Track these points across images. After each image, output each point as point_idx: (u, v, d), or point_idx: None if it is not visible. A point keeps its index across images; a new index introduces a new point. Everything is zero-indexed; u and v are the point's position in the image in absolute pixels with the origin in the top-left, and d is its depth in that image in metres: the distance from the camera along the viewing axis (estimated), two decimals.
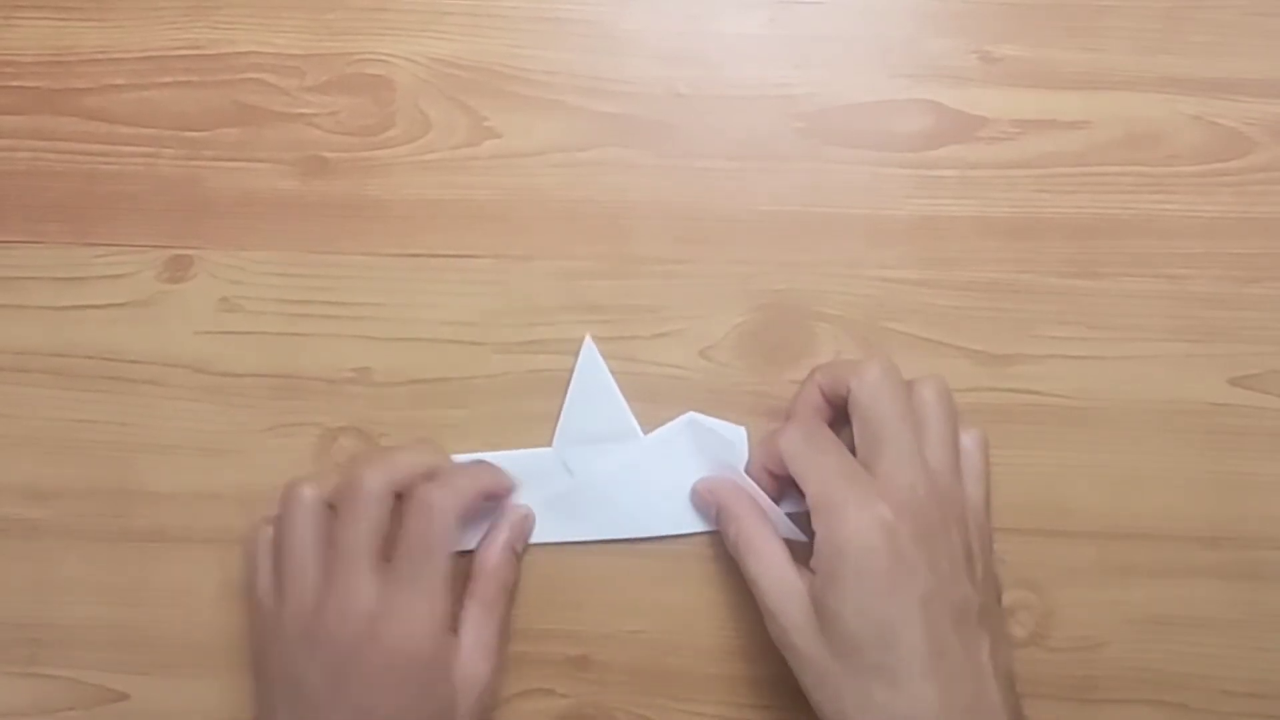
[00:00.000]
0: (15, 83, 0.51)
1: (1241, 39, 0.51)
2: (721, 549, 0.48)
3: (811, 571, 0.43)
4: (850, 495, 0.42)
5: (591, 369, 0.49)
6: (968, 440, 0.46)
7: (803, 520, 0.45)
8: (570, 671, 0.48)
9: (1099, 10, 0.51)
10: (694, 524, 0.49)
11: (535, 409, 0.49)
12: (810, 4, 0.52)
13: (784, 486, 0.47)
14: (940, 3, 0.51)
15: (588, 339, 0.49)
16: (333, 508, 0.45)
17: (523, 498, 0.48)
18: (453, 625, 0.44)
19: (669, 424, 0.49)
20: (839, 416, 0.46)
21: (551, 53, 0.51)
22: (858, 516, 0.42)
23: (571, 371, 0.49)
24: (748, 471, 0.48)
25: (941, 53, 0.51)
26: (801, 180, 0.51)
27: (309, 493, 0.44)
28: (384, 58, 0.51)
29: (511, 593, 0.47)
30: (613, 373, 0.49)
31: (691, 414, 0.49)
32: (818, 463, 0.44)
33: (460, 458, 0.49)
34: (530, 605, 0.48)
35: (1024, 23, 0.51)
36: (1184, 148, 0.50)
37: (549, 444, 0.49)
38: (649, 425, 0.49)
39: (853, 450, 0.44)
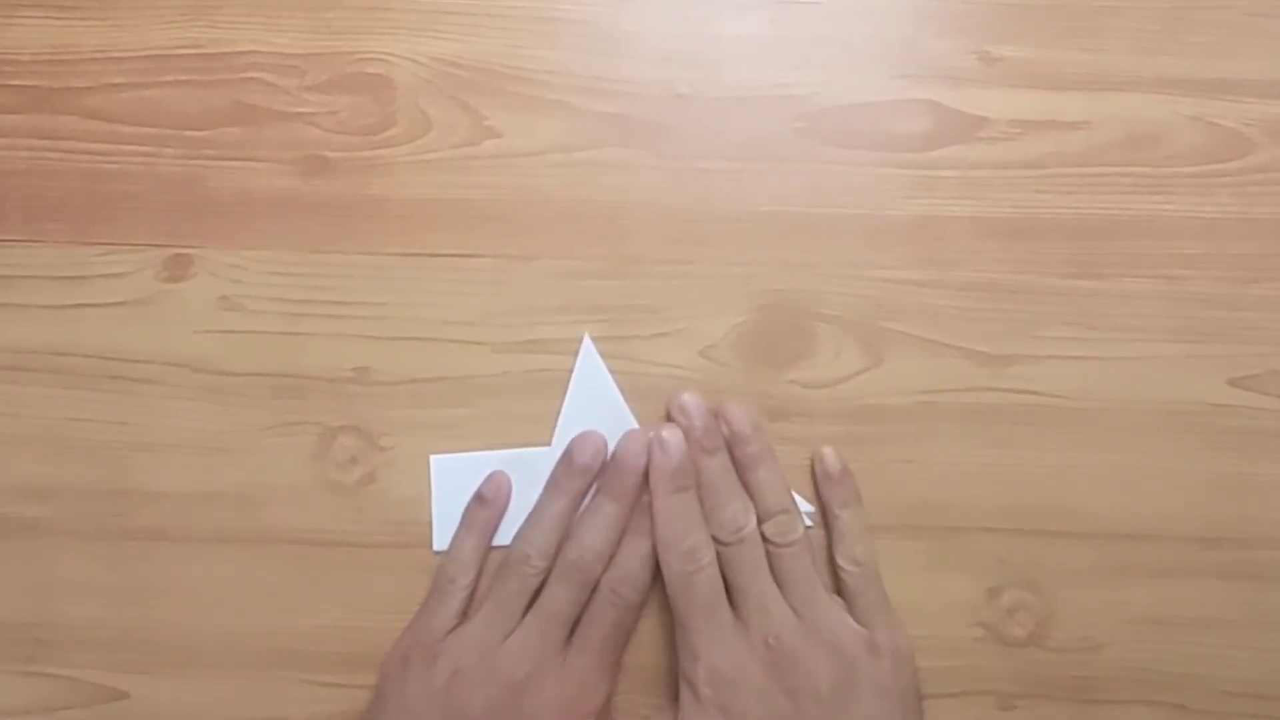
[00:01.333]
0: (15, 81, 0.51)
1: (1241, 40, 0.51)
2: None
3: None
4: None
5: (591, 368, 0.49)
6: None
7: None
8: None
9: (1099, 11, 0.51)
10: None
11: (535, 408, 0.49)
12: (810, 4, 0.52)
13: None
14: (940, 3, 0.51)
15: (586, 338, 0.49)
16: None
17: (522, 497, 0.48)
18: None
19: (669, 423, 0.49)
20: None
21: (552, 53, 0.51)
22: None
23: (571, 371, 0.49)
24: None
25: (941, 53, 0.51)
26: (801, 180, 0.51)
27: (537, 564, 0.47)
28: (384, 57, 0.51)
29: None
30: (612, 372, 0.49)
31: None
32: None
33: (460, 457, 0.49)
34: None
35: (1024, 23, 0.51)
36: (1183, 148, 0.50)
37: (548, 443, 0.49)
38: (648, 425, 0.49)
39: None
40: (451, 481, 0.49)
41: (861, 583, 0.47)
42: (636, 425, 0.49)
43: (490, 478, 0.49)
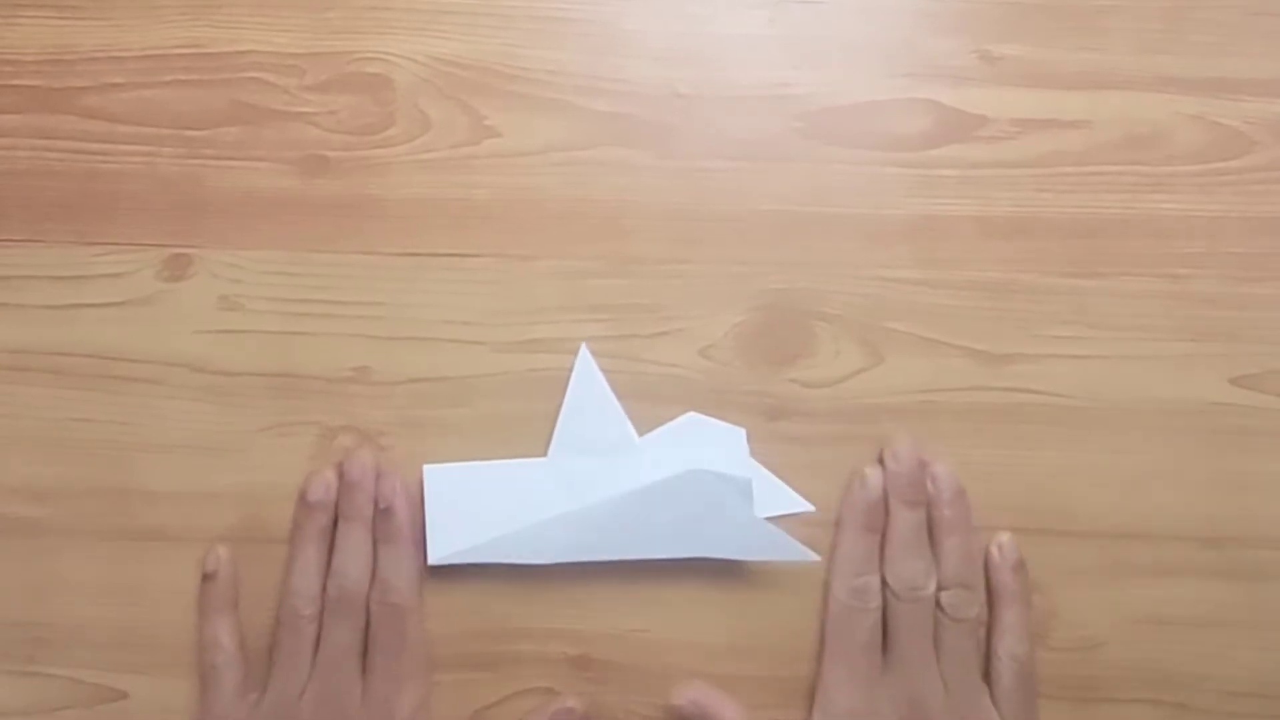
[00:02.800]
0: (15, 81, 0.51)
1: (1241, 39, 0.51)
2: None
3: None
4: None
5: (587, 376, 0.49)
6: None
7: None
8: (571, 671, 0.48)
9: (1099, 10, 0.51)
10: (687, 550, 0.48)
11: (534, 408, 0.49)
12: (810, 4, 0.52)
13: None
14: (940, 3, 0.51)
15: (584, 348, 0.49)
16: None
17: (518, 508, 0.48)
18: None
19: (669, 424, 0.49)
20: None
21: (552, 52, 0.51)
22: None
23: (570, 372, 0.49)
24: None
25: (941, 52, 0.51)
26: (801, 180, 0.51)
27: (306, 612, 0.47)
28: (384, 56, 0.51)
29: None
30: (613, 372, 0.49)
31: (692, 413, 0.49)
32: None
33: (454, 466, 0.48)
34: (531, 605, 0.48)
35: (1024, 22, 0.51)
36: (1184, 147, 0.50)
37: (547, 442, 0.49)
38: (648, 424, 0.49)
39: None
40: (445, 491, 0.48)
41: (1015, 680, 0.47)
42: (634, 433, 0.49)
43: (210, 551, 0.48)
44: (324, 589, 0.47)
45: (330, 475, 0.48)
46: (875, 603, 0.47)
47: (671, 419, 0.49)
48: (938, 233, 0.50)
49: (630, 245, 0.50)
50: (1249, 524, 0.49)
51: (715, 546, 0.48)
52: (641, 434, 0.49)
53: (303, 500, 0.48)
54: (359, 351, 0.50)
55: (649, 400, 0.49)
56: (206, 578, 0.48)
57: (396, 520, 0.48)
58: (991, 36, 0.51)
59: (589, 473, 0.48)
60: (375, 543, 0.48)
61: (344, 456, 0.48)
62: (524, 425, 0.49)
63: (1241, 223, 0.50)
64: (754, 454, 0.49)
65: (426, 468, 0.48)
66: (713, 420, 0.49)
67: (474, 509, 0.48)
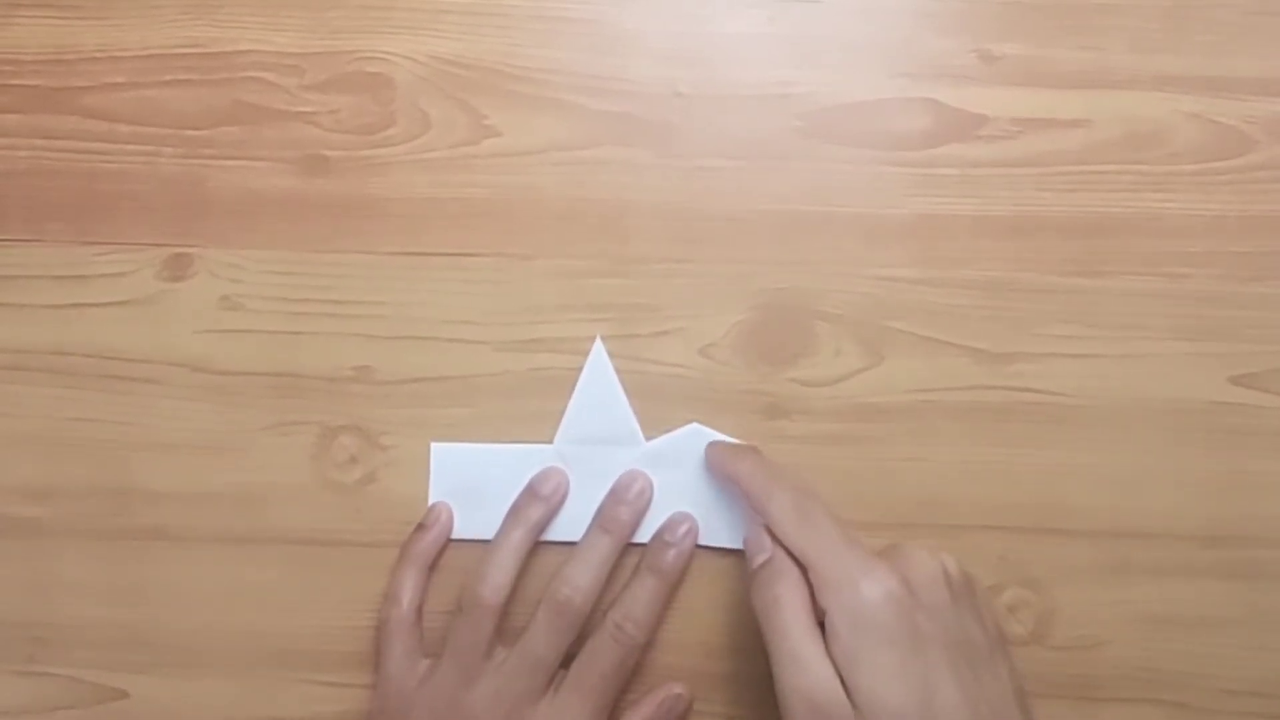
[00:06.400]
0: (15, 81, 0.51)
1: (1241, 38, 0.51)
2: (720, 548, 0.48)
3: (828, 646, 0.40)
4: (857, 569, 0.41)
5: (599, 370, 0.49)
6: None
7: None
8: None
9: (1099, 9, 0.51)
10: None
11: (536, 407, 0.49)
12: (810, 4, 0.52)
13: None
14: (940, 2, 0.51)
15: (598, 340, 0.49)
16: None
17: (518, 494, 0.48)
18: None
19: (672, 433, 0.49)
20: None
21: (552, 51, 0.51)
22: (870, 590, 0.40)
23: (575, 370, 0.49)
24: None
25: (941, 52, 0.51)
26: (801, 180, 0.51)
27: (491, 603, 0.45)
28: (384, 56, 0.51)
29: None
30: (614, 371, 0.49)
31: (695, 424, 0.49)
32: (815, 537, 0.42)
33: (461, 446, 0.49)
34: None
35: (1024, 22, 0.51)
36: (1184, 146, 0.50)
37: (549, 442, 0.49)
38: (649, 423, 0.49)
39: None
40: (450, 471, 0.49)
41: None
42: (639, 430, 0.49)
43: (435, 506, 0.48)
44: (513, 587, 0.46)
45: (565, 480, 0.48)
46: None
47: (672, 418, 0.49)
48: (938, 232, 0.50)
49: (630, 245, 0.50)
50: (1249, 523, 0.49)
51: (714, 533, 0.48)
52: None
53: (532, 490, 0.48)
54: (360, 351, 0.50)
55: (649, 400, 0.49)
56: (419, 528, 0.48)
57: (678, 561, 0.47)
58: (991, 36, 0.51)
59: (591, 459, 0.48)
60: (639, 570, 0.47)
61: (626, 474, 0.48)
62: (526, 424, 0.49)
63: (1241, 222, 0.50)
64: None
65: (434, 445, 0.49)
66: (716, 434, 0.49)
67: (478, 488, 0.49)
